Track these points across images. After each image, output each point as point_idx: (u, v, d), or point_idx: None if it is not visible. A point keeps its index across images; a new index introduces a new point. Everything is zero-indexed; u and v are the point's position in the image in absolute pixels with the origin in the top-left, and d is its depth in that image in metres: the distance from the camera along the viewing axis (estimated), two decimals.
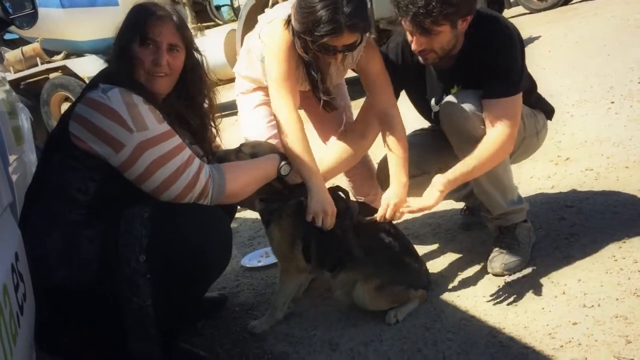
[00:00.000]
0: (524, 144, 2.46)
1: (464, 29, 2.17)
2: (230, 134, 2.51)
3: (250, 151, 2.19)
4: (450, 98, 2.29)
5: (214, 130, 2.23)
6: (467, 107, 2.21)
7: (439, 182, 2.14)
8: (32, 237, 1.73)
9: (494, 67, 2.18)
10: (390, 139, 2.31)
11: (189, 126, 2.07)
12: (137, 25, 1.90)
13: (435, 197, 2.13)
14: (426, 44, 2.17)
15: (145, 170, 1.77)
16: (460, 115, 2.22)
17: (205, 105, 2.16)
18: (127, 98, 1.77)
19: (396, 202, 2.21)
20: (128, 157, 1.75)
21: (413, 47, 2.21)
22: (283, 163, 2.11)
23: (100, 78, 1.88)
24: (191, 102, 2.10)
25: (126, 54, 1.89)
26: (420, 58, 2.26)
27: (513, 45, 2.19)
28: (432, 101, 2.47)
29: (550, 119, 2.60)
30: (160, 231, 1.75)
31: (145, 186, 1.80)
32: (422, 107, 2.58)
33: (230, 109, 9.37)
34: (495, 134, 2.16)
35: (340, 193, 2.28)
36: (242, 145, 2.25)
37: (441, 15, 2.04)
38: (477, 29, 2.21)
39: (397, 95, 2.52)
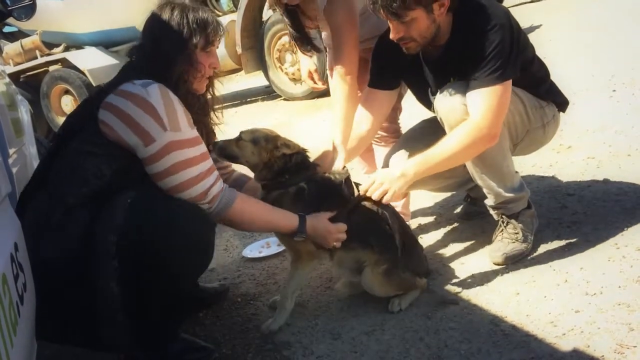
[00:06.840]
0: (529, 137, 2.41)
1: (442, 14, 2.13)
2: (230, 127, 2.49)
3: (250, 137, 2.21)
4: (443, 90, 2.26)
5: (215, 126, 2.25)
6: (455, 98, 2.19)
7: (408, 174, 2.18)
8: (30, 217, 1.76)
9: (475, 55, 2.13)
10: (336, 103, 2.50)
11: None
12: (201, 30, 1.94)
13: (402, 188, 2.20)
14: (404, 31, 2.15)
15: (167, 169, 1.80)
16: (448, 106, 2.21)
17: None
18: (165, 96, 1.80)
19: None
20: (155, 152, 1.78)
21: (391, 35, 2.19)
22: (300, 234, 2.09)
23: (137, 74, 1.87)
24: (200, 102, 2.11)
25: (186, 57, 1.93)
26: (403, 48, 2.24)
27: (494, 32, 2.10)
28: (429, 92, 2.45)
29: (564, 111, 2.52)
30: (137, 217, 1.72)
31: (162, 183, 1.83)
32: (422, 98, 2.57)
33: (230, 100, 9.45)
34: (466, 125, 2.13)
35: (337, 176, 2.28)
36: (241, 132, 2.25)
37: None
38: (463, 19, 2.18)
39: (397, 85, 2.52)
